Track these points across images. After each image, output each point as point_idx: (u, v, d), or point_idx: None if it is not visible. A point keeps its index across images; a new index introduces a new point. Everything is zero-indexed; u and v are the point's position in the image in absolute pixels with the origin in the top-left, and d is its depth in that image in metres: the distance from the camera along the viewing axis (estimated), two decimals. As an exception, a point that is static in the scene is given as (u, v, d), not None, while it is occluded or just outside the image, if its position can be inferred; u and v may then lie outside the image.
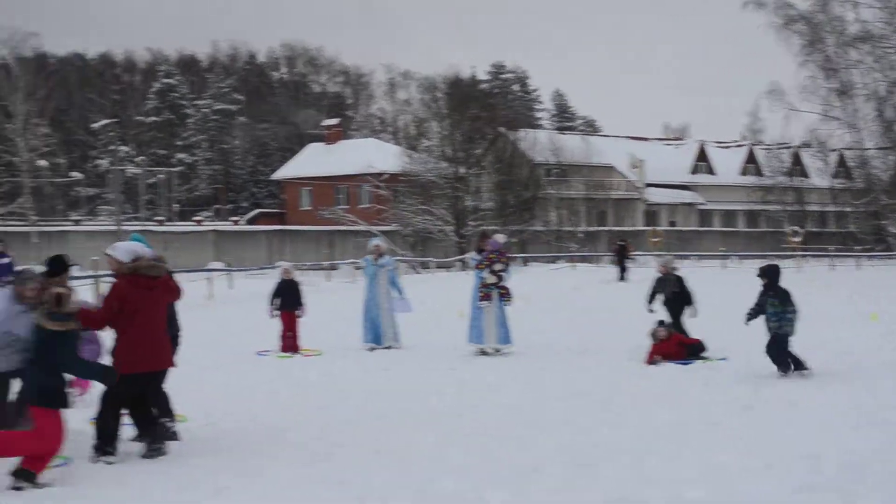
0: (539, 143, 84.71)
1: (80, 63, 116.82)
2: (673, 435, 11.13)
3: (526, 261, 68.00)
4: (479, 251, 19.98)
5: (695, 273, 34.28)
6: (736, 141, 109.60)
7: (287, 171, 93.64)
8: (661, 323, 18.13)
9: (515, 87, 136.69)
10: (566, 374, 16.16)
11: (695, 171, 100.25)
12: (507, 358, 18.65)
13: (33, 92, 73.87)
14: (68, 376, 9.89)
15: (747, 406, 12.76)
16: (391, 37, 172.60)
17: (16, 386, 10.33)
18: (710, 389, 14.36)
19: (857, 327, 22.63)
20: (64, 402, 9.58)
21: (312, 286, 36.50)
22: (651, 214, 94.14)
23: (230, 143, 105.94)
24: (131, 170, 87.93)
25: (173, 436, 10.97)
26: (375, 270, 21.29)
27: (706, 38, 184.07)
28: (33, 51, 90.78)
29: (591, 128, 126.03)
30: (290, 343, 20.15)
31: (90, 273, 34.26)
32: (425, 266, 61.80)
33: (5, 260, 27.72)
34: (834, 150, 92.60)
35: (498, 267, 19.56)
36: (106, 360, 11.05)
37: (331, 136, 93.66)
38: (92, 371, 10.25)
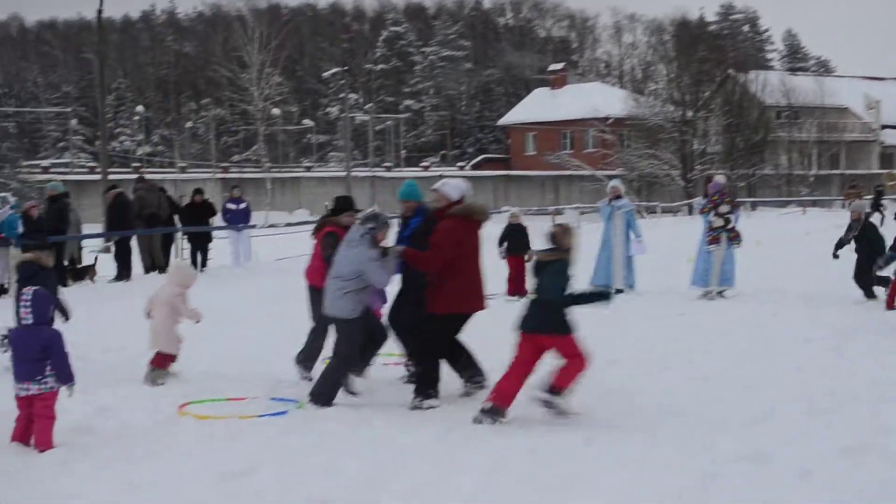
0: (769, 84, 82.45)
1: (311, 13, 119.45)
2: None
3: (755, 205, 66.50)
4: (705, 196, 19.67)
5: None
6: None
7: (512, 116, 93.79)
8: None
9: (745, 28, 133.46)
10: (797, 321, 15.77)
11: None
12: (737, 303, 18.30)
13: (267, 42, 75.77)
14: None
15: None
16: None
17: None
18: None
19: None
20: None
21: (537, 231, 36.56)
22: (887, 157, 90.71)
23: (456, 90, 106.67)
24: (360, 117, 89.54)
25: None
26: (611, 212, 20.91)
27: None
28: (267, 2, 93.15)
29: (824, 68, 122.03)
30: (516, 287, 20.24)
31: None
32: (651, 211, 61.15)
33: (242, 205, 28.74)
34: None
35: (724, 209, 19.19)
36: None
37: (556, 81, 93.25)
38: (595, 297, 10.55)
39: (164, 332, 11.95)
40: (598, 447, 8.64)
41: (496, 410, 9.54)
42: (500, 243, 20.82)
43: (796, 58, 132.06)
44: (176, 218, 26.24)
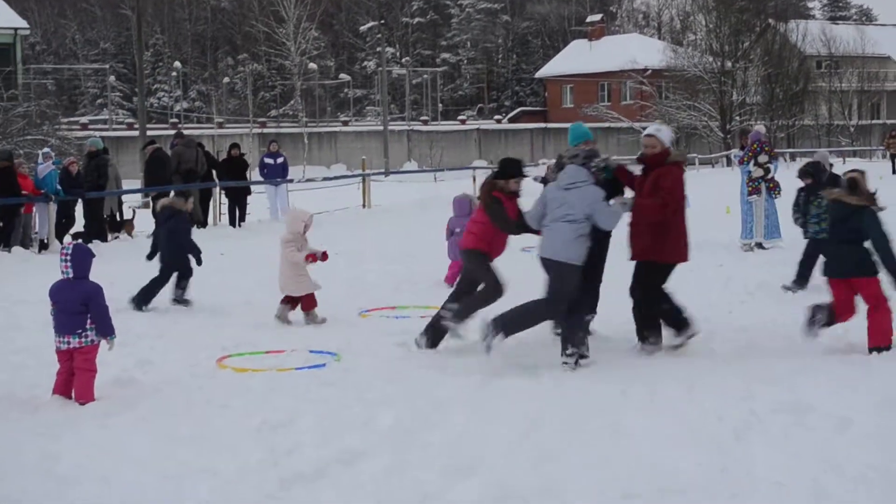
0: (810, 34, 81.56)
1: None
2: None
3: (794, 156, 65.99)
4: (741, 148, 19.49)
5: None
6: None
7: (549, 68, 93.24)
8: None
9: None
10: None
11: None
12: (778, 254, 18.18)
13: (303, -4, 75.58)
14: None
15: None
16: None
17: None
18: None
19: None
20: None
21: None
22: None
23: (493, 42, 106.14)
24: (397, 71, 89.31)
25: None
26: None
27: None
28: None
29: (866, 17, 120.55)
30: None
31: (358, 172, 35.09)
32: (689, 163, 60.73)
33: (279, 160, 28.78)
34: None
35: (763, 159, 19.03)
36: None
37: (594, 33, 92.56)
38: None
39: (284, 277, 12.55)
40: (636, 398, 8.65)
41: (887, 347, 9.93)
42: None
43: (837, 6, 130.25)
44: (214, 173, 26.30)
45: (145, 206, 27.24)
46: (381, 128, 66.33)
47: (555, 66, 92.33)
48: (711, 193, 28.79)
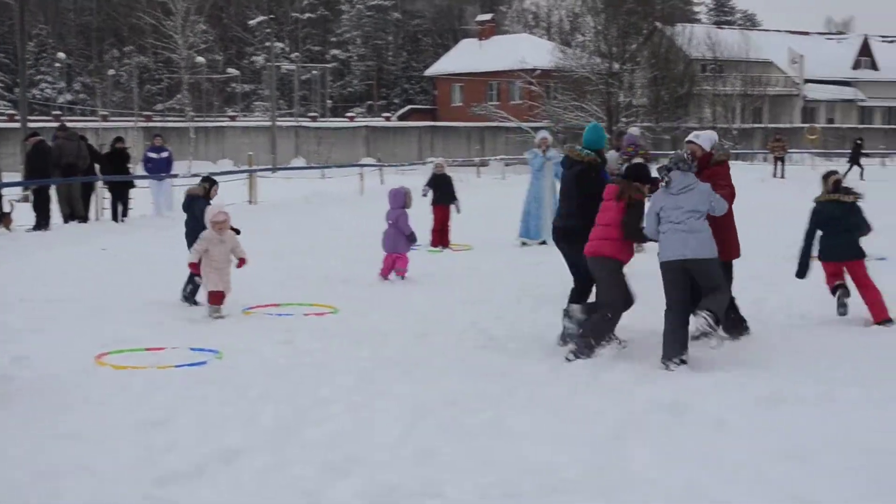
0: (696, 38, 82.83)
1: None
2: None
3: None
4: (616, 150, 19.59)
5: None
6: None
7: (439, 67, 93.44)
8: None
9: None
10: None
11: (857, 66, 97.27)
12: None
13: (192, -11, 74.73)
14: None
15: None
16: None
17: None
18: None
19: None
20: None
21: (463, 182, 36.61)
22: (809, 111, 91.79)
23: (383, 40, 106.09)
24: (286, 66, 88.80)
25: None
26: (542, 163, 20.76)
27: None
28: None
29: (750, 22, 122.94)
30: (440, 237, 20.25)
31: (245, 168, 34.81)
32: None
33: (164, 154, 28.45)
34: None
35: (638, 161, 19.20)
36: None
37: (483, 32, 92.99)
38: None
39: (204, 274, 12.57)
40: (518, 397, 8.71)
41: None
42: (425, 188, 20.79)
43: (723, 11, 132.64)
44: (97, 167, 25.88)
45: (25, 199, 26.70)
46: (269, 123, 65.89)
47: (444, 65, 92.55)
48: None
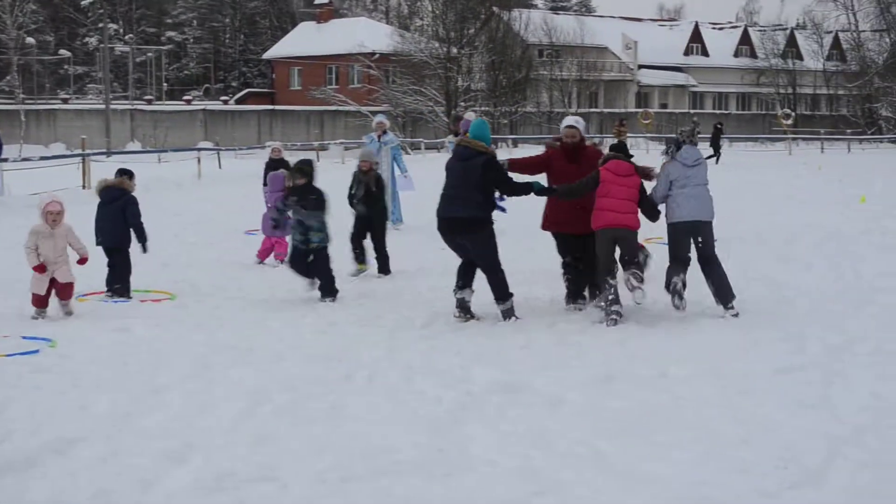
0: (532, 23, 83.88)
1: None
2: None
3: (516, 142, 67.79)
4: (455, 134, 19.61)
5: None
6: (730, 22, 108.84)
7: (277, 50, 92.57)
8: None
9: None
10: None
11: (688, 52, 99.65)
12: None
13: (21, -32, 72.75)
14: None
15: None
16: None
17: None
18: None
19: (846, 210, 22.70)
20: None
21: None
22: (643, 96, 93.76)
23: (220, 22, 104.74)
24: (120, 48, 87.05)
25: None
26: (378, 147, 20.64)
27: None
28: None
29: (585, 8, 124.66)
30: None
31: (78, 152, 34.08)
32: (415, 147, 61.60)
33: (-7, 138, 27.69)
34: (829, 33, 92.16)
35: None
36: None
37: (322, 15, 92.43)
38: None
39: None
40: (356, 380, 8.75)
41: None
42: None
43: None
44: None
45: None
46: (103, 106, 64.60)
47: (283, 48, 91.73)
48: (437, 178, 29.23)
